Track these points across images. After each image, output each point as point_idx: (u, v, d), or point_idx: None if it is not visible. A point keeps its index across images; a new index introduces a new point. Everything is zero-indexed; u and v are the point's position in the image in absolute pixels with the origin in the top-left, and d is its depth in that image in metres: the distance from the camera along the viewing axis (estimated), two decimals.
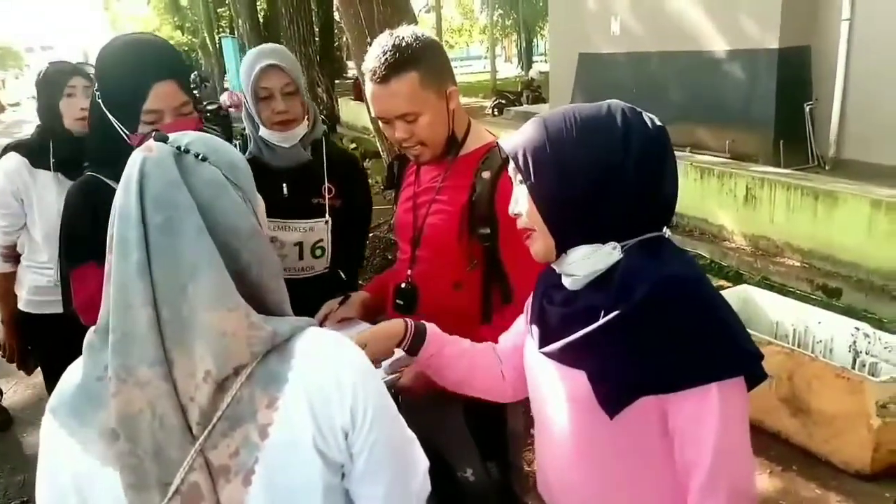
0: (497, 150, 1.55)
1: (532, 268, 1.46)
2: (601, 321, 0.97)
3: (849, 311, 3.80)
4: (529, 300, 1.24)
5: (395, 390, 1.46)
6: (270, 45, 1.89)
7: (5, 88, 39.54)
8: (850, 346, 2.98)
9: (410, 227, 1.63)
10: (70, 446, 0.82)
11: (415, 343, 1.31)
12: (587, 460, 1.06)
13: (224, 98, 7.66)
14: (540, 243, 1.05)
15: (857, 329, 2.98)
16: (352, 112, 12.89)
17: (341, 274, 1.95)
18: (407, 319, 1.33)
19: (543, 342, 1.07)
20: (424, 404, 1.49)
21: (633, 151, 0.97)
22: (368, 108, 4.86)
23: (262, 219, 0.93)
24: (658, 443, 0.99)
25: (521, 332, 1.28)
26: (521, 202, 1.06)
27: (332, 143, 2.00)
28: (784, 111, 6.71)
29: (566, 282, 1.06)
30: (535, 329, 1.12)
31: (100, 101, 1.49)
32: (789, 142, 6.66)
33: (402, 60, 1.42)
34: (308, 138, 1.88)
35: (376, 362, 1.35)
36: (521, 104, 13.87)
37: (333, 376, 0.85)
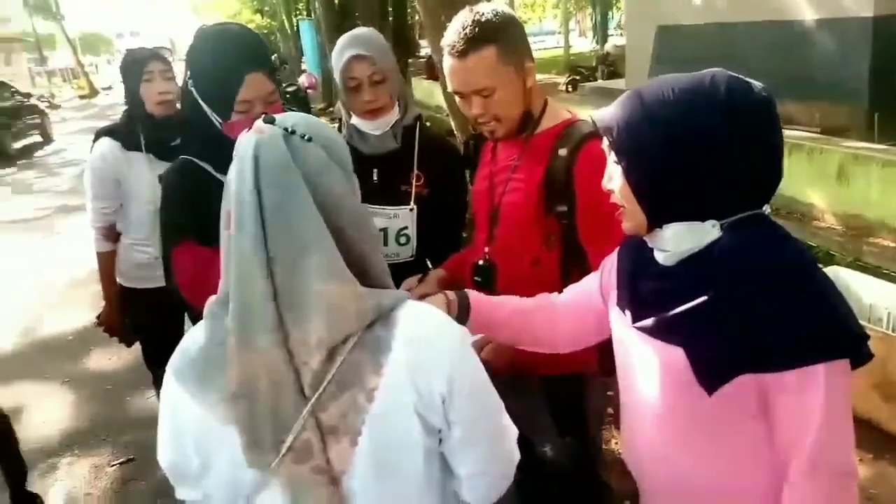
0: (574, 127, 1.55)
1: (611, 245, 1.46)
2: (701, 298, 0.95)
3: None
4: (609, 267, 1.24)
5: None
6: (359, 31, 1.88)
7: (98, 73, 41.75)
8: None
9: (487, 205, 1.65)
10: (192, 406, 0.89)
11: (459, 319, 1.30)
12: (680, 436, 1.05)
13: (302, 80, 7.86)
14: (632, 220, 1.03)
15: None
16: (425, 91, 12.93)
17: (428, 263, 1.95)
18: (447, 293, 1.32)
19: (636, 316, 1.07)
20: (503, 379, 1.51)
21: (739, 124, 0.92)
22: (443, 87, 4.87)
23: (358, 197, 0.97)
24: (754, 421, 0.97)
25: (592, 292, 1.28)
26: (614, 178, 1.04)
27: (426, 129, 1.98)
28: (879, 82, 6.34)
29: (659, 257, 1.04)
30: (623, 301, 1.11)
31: (192, 89, 1.55)
32: (885, 115, 6.26)
33: (482, 35, 1.43)
34: (399, 125, 1.88)
35: None
36: (595, 80, 13.55)
37: (433, 345, 0.89)
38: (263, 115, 0.90)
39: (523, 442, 1.57)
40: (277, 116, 0.91)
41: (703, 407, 0.98)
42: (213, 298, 0.92)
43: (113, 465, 3.02)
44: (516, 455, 1.01)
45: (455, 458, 0.95)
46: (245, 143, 0.87)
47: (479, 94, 1.48)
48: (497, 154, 1.67)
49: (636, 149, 0.97)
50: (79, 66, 34.07)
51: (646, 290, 1.06)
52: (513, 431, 1.01)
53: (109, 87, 32.90)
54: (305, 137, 0.88)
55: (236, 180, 0.86)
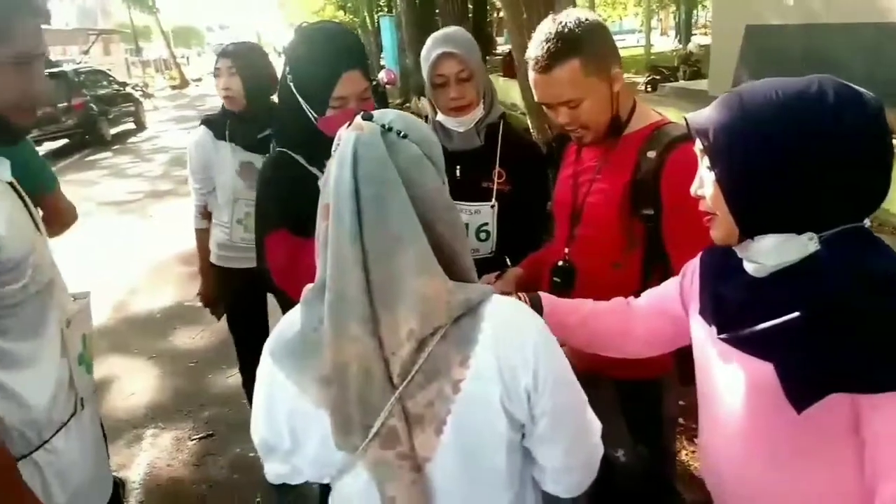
0: (664, 129, 1.52)
1: (696, 251, 1.43)
2: (796, 313, 0.91)
3: None
4: (690, 273, 1.21)
5: None
6: (448, 30, 1.91)
7: (189, 65, 43.71)
8: None
9: (569, 205, 1.64)
10: (287, 387, 0.93)
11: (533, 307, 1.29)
12: (763, 454, 1.02)
13: (381, 75, 8.00)
14: (722, 229, 1.00)
15: None
16: (501, 89, 12.90)
17: (507, 260, 1.95)
18: (520, 294, 1.33)
19: (722, 327, 1.04)
20: (578, 380, 1.51)
21: (847, 133, 0.88)
22: (521, 85, 4.86)
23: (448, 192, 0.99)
24: (842, 442, 0.93)
25: (671, 298, 1.26)
26: (706, 184, 1.00)
27: (510, 127, 1.99)
28: None
29: (749, 268, 1.01)
30: (708, 311, 1.09)
31: (291, 85, 1.62)
32: None
33: (565, 49, 1.42)
34: (483, 122, 1.90)
35: None
36: (676, 80, 13.19)
37: (519, 340, 0.90)
38: (362, 112, 0.93)
39: None
40: (375, 113, 0.94)
41: (790, 425, 0.95)
42: (310, 286, 0.96)
43: (193, 440, 3.18)
44: (601, 449, 1.02)
45: (540, 452, 0.96)
46: (345, 139, 0.91)
47: (565, 105, 1.49)
48: (582, 154, 1.66)
49: (734, 155, 0.93)
50: (171, 57, 35.78)
51: (733, 301, 1.03)
52: (597, 425, 1.02)
53: (199, 79, 34.34)
54: (401, 134, 0.90)
55: (336, 174, 0.89)
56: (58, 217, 1.92)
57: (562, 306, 1.34)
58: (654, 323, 1.28)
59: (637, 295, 1.53)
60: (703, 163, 1.00)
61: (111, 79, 15.66)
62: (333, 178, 0.90)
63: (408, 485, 0.89)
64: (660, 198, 1.46)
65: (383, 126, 0.91)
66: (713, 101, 1.01)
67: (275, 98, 2.34)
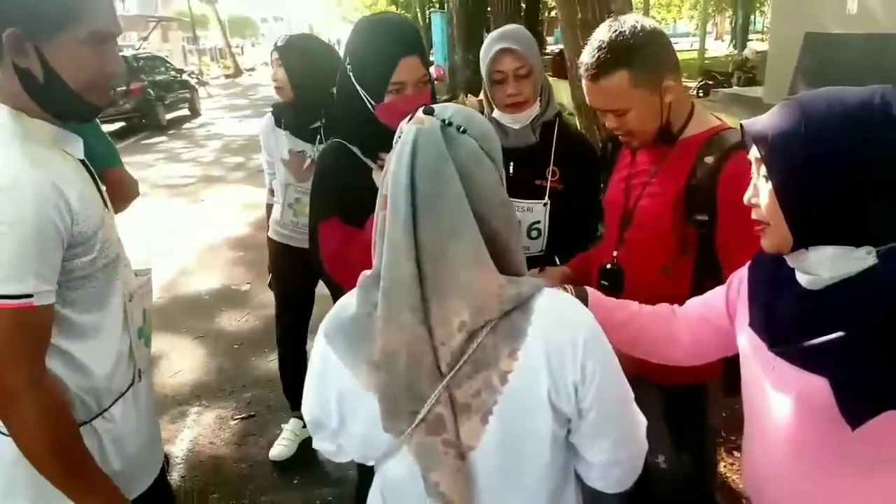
0: (723, 135, 1.51)
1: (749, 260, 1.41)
2: (852, 329, 0.90)
3: None
4: (737, 283, 1.19)
5: None
6: (509, 27, 1.91)
7: (243, 55, 44.61)
8: None
9: (620, 208, 1.64)
10: (339, 368, 0.96)
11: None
12: (814, 468, 1.01)
13: (431, 71, 8.01)
14: (776, 239, 0.99)
15: None
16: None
17: (556, 259, 1.95)
18: (566, 286, 1.32)
19: (773, 339, 1.03)
20: None
21: None
22: (572, 86, 4.80)
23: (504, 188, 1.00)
24: (894, 461, 0.93)
25: (717, 307, 1.24)
26: (761, 193, 0.99)
27: (565, 125, 1.99)
28: None
29: (803, 280, 1.00)
30: (758, 322, 1.07)
31: (350, 74, 1.65)
32: None
33: (614, 59, 1.42)
34: (539, 120, 1.91)
35: None
36: (730, 86, 12.90)
37: (569, 334, 0.91)
38: (423, 107, 0.95)
39: None
40: (436, 107, 0.95)
41: (844, 441, 0.93)
42: (367, 272, 0.99)
43: (235, 420, 3.26)
44: (646, 444, 1.03)
45: (586, 447, 0.97)
46: (406, 132, 0.92)
47: (612, 112, 1.50)
48: (637, 157, 1.65)
49: (792, 165, 0.92)
50: (227, 46, 36.51)
51: (786, 313, 1.01)
52: (642, 420, 1.02)
53: (252, 69, 34.93)
54: (461, 129, 0.92)
55: (394, 167, 0.91)
56: (121, 192, 1.99)
57: (608, 302, 1.34)
58: (699, 332, 1.27)
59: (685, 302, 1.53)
60: (759, 171, 0.99)
61: (168, 65, 16.06)
62: (392, 170, 0.92)
63: (452, 472, 0.90)
64: (715, 204, 1.44)
65: (443, 120, 0.92)
66: (769, 109, 1.00)
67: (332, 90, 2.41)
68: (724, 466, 2.72)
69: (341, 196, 1.64)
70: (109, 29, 1.18)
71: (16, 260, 1.06)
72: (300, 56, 2.52)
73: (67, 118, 1.23)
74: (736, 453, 2.77)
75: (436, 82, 7.76)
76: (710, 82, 12.97)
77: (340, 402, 0.98)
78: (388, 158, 0.95)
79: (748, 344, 1.11)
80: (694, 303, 1.32)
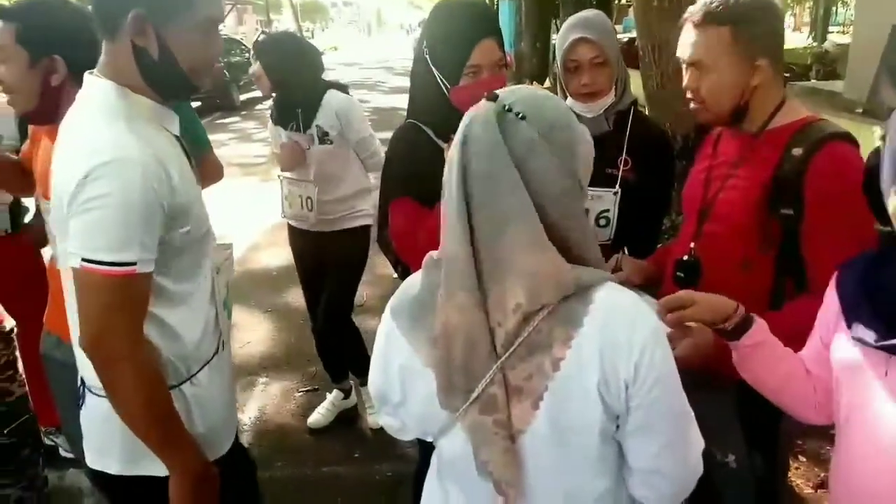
0: (814, 126, 1.44)
1: (836, 260, 1.34)
2: None
3: None
4: (825, 308, 1.14)
5: None
6: (587, 13, 1.89)
7: (313, 38, 45.35)
8: None
9: (700, 200, 1.60)
10: (402, 344, 0.99)
11: (742, 325, 1.23)
12: None
13: None
14: None
15: None
16: None
17: (625, 249, 1.93)
18: (738, 303, 1.26)
19: (885, 335, 0.96)
20: (698, 382, 1.47)
21: None
22: (643, 76, 4.68)
23: (583, 179, 0.98)
24: None
25: (818, 346, 1.18)
26: None
27: (641, 115, 1.96)
28: None
29: None
30: (864, 320, 1.01)
31: (427, 56, 1.66)
32: None
33: (726, 13, 1.40)
34: (612, 109, 1.88)
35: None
36: (808, 79, 12.35)
37: (626, 330, 0.89)
38: (487, 93, 0.95)
39: (705, 449, 1.55)
40: (503, 91, 0.95)
41: None
42: (433, 253, 1.01)
43: (300, 392, 3.37)
44: (698, 468, 0.99)
45: (630, 448, 0.95)
46: (466, 117, 0.94)
47: (694, 66, 1.46)
48: (719, 148, 1.62)
49: None
50: (298, 30, 37.13)
51: None
52: (698, 443, 0.98)
53: (322, 53, 35.46)
54: (519, 115, 0.91)
55: (452, 153, 0.93)
56: (208, 172, 2.08)
57: (769, 332, 1.25)
58: (822, 378, 1.19)
59: (768, 299, 1.48)
60: None
61: (243, 48, 16.43)
62: (450, 156, 0.94)
63: (501, 451, 0.91)
64: (802, 198, 1.39)
65: (504, 106, 0.92)
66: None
67: (304, 77, 2.64)
68: (791, 471, 2.64)
69: (413, 177, 1.66)
70: (218, 15, 1.25)
71: (122, 229, 1.11)
72: (276, 52, 2.65)
73: (170, 96, 1.29)
74: (802, 457, 2.70)
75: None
76: (788, 74, 12.44)
77: (402, 376, 1.00)
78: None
79: (850, 356, 1.05)
80: (807, 352, 1.24)
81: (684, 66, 1.51)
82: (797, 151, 1.41)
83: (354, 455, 2.85)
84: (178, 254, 1.24)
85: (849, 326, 1.05)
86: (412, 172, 1.68)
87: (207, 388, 1.36)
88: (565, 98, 1.90)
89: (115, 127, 1.15)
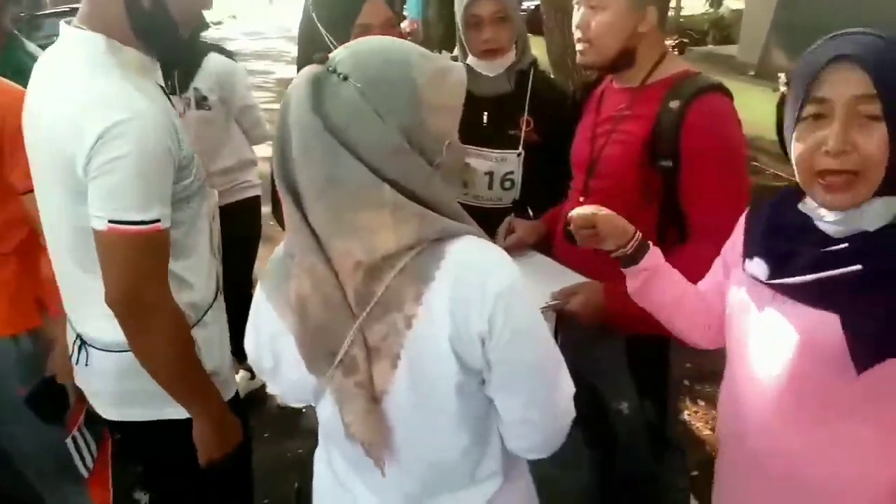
0: (690, 79, 1.48)
1: (713, 208, 1.41)
2: (871, 266, 0.89)
3: None
4: (732, 246, 1.17)
5: (558, 319, 1.49)
6: None
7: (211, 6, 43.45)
8: None
9: (587, 157, 1.62)
10: (269, 310, 0.95)
11: (640, 250, 1.26)
12: (805, 415, 0.98)
13: (404, 25, 7.82)
14: (865, 190, 0.91)
15: None
16: None
17: (529, 211, 1.92)
18: (636, 228, 1.29)
19: (783, 275, 0.99)
20: (587, 335, 1.51)
21: None
22: (548, 42, 4.72)
23: (438, 131, 0.90)
24: (892, 410, 0.92)
25: (718, 278, 1.22)
26: (866, 136, 0.89)
27: (540, 74, 1.93)
28: None
29: (830, 229, 0.96)
30: (763, 265, 1.03)
31: (313, 15, 1.61)
32: None
33: None
34: (514, 68, 1.85)
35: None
36: (705, 44, 12.89)
37: (479, 283, 0.86)
38: (315, 55, 0.90)
39: (598, 400, 1.60)
40: (339, 51, 0.90)
41: (841, 386, 0.91)
42: None
43: None
44: (569, 413, 0.98)
45: (498, 402, 0.94)
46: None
47: (588, 5, 1.49)
48: (602, 104, 1.63)
49: None
50: None
51: (801, 254, 0.98)
52: (568, 388, 0.97)
53: (220, 22, 33.86)
54: (342, 76, 0.86)
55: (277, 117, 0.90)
56: None
57: (663, 259, 1.28)
58: (716, 307, 1.22)
59: None
60: (863, 107, 0.89)
61: None
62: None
63: (363, 413, 0.88)
64: (679, 150, 1.43)
65: (329, 67, 0.87)
66: (858, 37, 0.92)
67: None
68: (689, 414, 2.78)
69: None
70: None
71: (145, 188, 1.13)
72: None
73: (158, 49, 1.26)
74: (700, 401, 2.84)
75: (408, 37, 7.61)
76: (686, 40, 12.91)
77: (272, 344, 0.97)
78: None
79: (742, 290, 1.08)
80: (704, 283, 1.28)
81: (577, 5, 1.53)
82: (674, 104, 1.44)
83: (265, 435, 2.78)
84: (184, 204, 1.27)
85: (744, 260, 1.09)
86: None
87: (212, 329, 1.39)
88: (466, 58, 1.86)
89: (118, 82, 1.15)
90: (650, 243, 1.28)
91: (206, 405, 1.31)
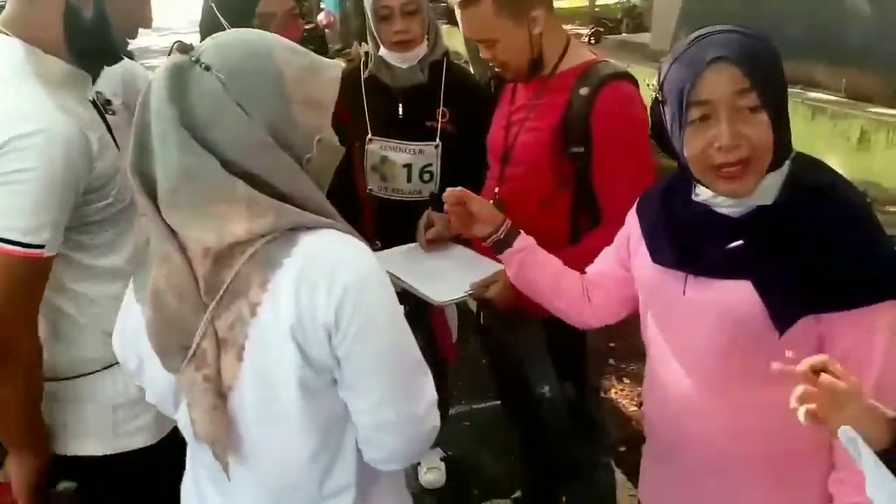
0: (596, 67, 1.51)
1: (624, 191, 1.44)
2: (771, 233, 0.96)
3: None
4: (627, 232, 1.22)
5: (479, 305, 1.51)
6: None
7: None
8: None
9: (501, 145, 1.64)
10: (134, 305, 0.91)
11: (510, 234, 1.35)
12: (730, 387, 1.03)
13: (320, 18, 7.72)
14: (757, 175, 0.97)
15: None
16: (443, 36, 12.63)
17: None
18: (509, 221, 1.37)
19: (690, 260, 1.04)
20: (506, 319, 1.53)
21: None
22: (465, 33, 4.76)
23: (308, 131, 0.88)
24: None
25: (612, 262, 1.27)
26: (751, 125, 0.95)
27: (454, 65, 1.94)
28: None
29: (730, 212, 1.01)
30: (666, 252, 1.08)
31: (212, 4, 1.56)
32: None
33: None
34: (427, 59, 1.85)
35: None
36: (619, 33, 13.24)
37: (328, 272, 0.83)
38: (176, 43, 0.87)
39: (521, 384, 1.62)
40: (205, 42, 0.88)
41: (766, 352, 0.93)
42: None
43: None
44: (431, 421, 0.93)
45: (350, 403, 0.89)
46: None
47: (482, 42, 1.51)
48: (516, 95, 1.65)
49: (779, 84, 0.98)
50: None
51: (708, 243, 1.03)
52: (430, 395, 0.93)
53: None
54: (204, 66, 0.83)
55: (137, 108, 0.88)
56: None
57: (536, 244, 1.37)
58: (608, 287, 1.29)
59: (568, 234, 1.56)
60: (742, 101, 0.95)
61: None
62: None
63: (208, 409, 0.84)
64: (590, 135, 1.46)
65: (192, 58, 0.85)
66: (723, 37, 0.98)
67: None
68: (615, 392, 2.87)
69: None
70: None
71: (38, 209, 1.05)
72: None
73: (89, 63, 1.19)
74: (626, 379, 2.93)
75: (326, 30, 7.48)
76: (601, 30, 13.22)
77: (136, 340, 0.91)
78: None
79: (652, 278, 1.12)
80: (596, 266, 1.33)
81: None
82: (584, 91, 1.48)
83: None
84: (95, 228, 1.19)
85: (650, 251, 1.12)
86: None
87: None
88: (378, 50, 1.84)
89: (32, 91, 1.08)
90: (520, 230, 1.35)
91: (35, 453, 1.20)
